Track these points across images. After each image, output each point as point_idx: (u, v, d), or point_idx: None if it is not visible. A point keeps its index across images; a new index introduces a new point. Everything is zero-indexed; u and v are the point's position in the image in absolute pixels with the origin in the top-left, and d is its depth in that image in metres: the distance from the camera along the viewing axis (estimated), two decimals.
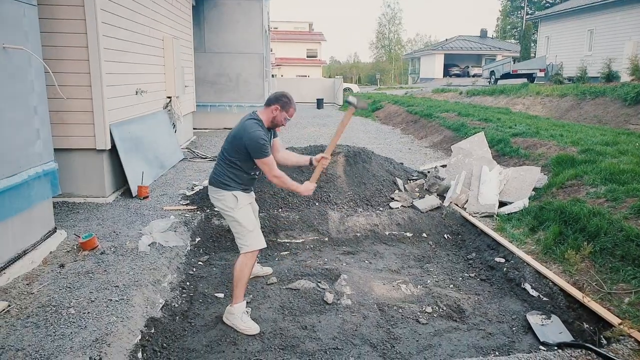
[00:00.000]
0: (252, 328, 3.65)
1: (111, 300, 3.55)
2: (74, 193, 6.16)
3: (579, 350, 3.15)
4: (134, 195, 6.42)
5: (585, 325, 3.66)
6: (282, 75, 40.39)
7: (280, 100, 3.71)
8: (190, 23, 11.77)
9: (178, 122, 9.61)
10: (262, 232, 4.49)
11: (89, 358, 2.80)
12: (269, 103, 3.73)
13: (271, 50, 25.45)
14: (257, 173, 3.87)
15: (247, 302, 4.04)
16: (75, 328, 3.15)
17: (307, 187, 3.91)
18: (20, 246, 4.08)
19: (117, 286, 3.79)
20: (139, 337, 3.26)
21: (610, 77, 18.52)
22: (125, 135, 6.67)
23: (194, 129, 12.91)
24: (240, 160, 3.68)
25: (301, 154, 4.13)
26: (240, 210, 3.75)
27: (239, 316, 3.68)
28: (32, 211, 4.29)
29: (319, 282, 4.47)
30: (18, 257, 4.00)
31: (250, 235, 3.74)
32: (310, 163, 4.04)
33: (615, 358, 2.99)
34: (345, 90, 31.77)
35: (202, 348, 3.45)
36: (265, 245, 3.87)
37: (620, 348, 3.13)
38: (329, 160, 3.99)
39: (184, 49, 10.75)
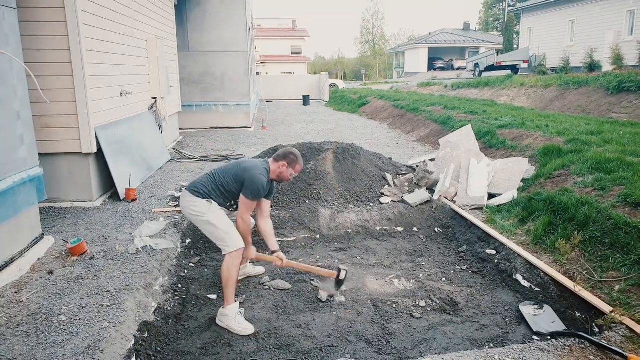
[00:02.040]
0: (247, 328, 3.63)
1: (102, 305, 3.51)
2: (60, 198, 6.07)
3: (572, 339, 3.18)
4: (122, 199, 6.35)
5: (578, 314, 3.70)
6: (267, 73, 40.18)
7: (288, 157, 3.90)
8: (174, 23, 11.66)
9: (164, 122, 9.52)
10: (254, 231, 4.48)
11: None
12: (277, 158, 3.93)
13: (255, 48, 25.32)
14: (235, 208, 3.98)
15: (240, 303, 4.02)
16: (66, 335, 3.10)
17: (252, 253, 4.08)
18: (7, 254, 4.01)
19: (108, 291, 3.74)
20: (132, 342, 3.23)
21: (593, 66, 18.72)
22: (111, 137, 6.59)
23: (180, 129, 12.80)
24: (232, 189, 3.83)
25: (273, 237, 4.20)
26: (213, 213, 3.78)
27: (233, 317, 3.66)
28: (18, 218, 4.22)
29: (312, 279, 4.46)
30: (5, 265, 3.93)
31: (228, 235, 3.74)
32: (272, 252, 4.11)
33: (608, 345, 3.02)
34: (331, 86, 31.73)
35: (196, 350, 3.42)
36: (243, 245, 3.82)
37: (612, 335, 3.16)
38: (279, 264, 4.09)
39: (168, 49, 10.64)
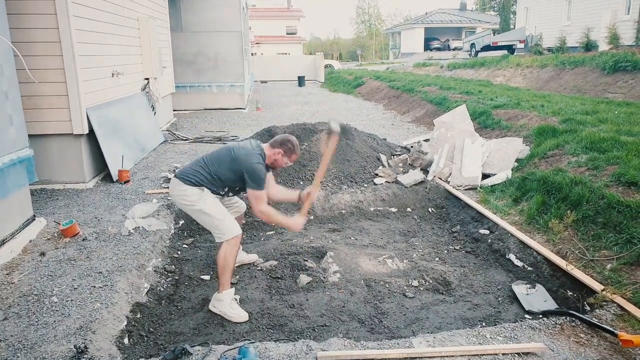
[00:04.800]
0: (241, 315, 3.55)
1: (95, 286, 3.50)
2: (52, 179, 6.03)
3: (564, 317, 3.20)
4: (114, 180, 6.32)
5: (569, 293, 3.71)
6: (262, 54, 39.79)
7: (285, 146, 3.74)
8: (166, 2, 11.47)
9: (157, 103, 9.43)
10: (247, 212, 4.45)
11: (74, 346, 2.76)
12: (273, 144, 3.76)
13: (250, 28, 25.05)
14: (230, 195, 3.89)
15: (234, 283, 4.02)
16: (58, 316, 3.10)
17: (298, 222, 3.83)
18: None
19: (101, 272, 3.73)
20: (125, 322, 3.23)
21: (589, 46, 18.60)
22: (103, 118, 6.52)
23: (173, 110, 12.70)
24: (228, 179, 3.68)
25: (289, 190, 4.12)
26: (205, 201, 3.63)
27: (228, 303, 3.57)
28: (8, 199, 4.18)
29: (306, 260, 4.45)
30: None
31: (223, 223, 3.62)
32: (299, 198, 3.98)
33: (599, 324, 3.04)
34: (326, 66, 31.47)
35: (189, 331, 3.43)
36: (240, 232, 3.71)
37: (603, 314, 3.18)
38: (317, 194, 3.92)
39: (161, 29, 10.49)
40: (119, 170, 6.35)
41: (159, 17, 10.45)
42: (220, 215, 3.65)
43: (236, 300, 3.71)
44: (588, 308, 3.42)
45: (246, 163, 3.58)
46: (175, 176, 3.76)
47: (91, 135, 6.21)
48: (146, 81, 9.08)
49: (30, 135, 4.71)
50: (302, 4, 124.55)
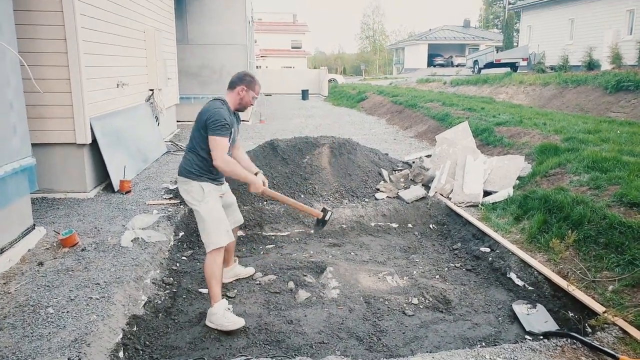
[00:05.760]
0: (237, 322, 3.51)
1: (91, 298, 3.48)
2: (54, 189, 6.03)
3: (565, 339, 3.16)
4: (116, 190, 6.31)
5: (571, 314, 3.68)
6: (267, 67, 40.08)
7: (245, 80, 3.65)
8: (173, 15, 11.58)
9: (161, 114, 9.47)
10: (247, 225, 4.43)
11: (68, 359, 2.73)
12: (232, 85, 3.67)
13: (255, 42, 25.22)
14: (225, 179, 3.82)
15: (232, 298, 3.99)
16: (53, 328, 3.07)
17: (258, 181, 3.71)
18: None
19: (98, 284, 3.71)
20: (121, 335, 3.20)
21: (592, 65, 18.69)
22: (107, 129, 6.54)
23: (177, 121, 12.74)
24: (206, 144, 3.54)
25: (252, 166, 3.98)
26: (205, 204, 3.60)
27: (222, 314, 3.53)
28: (8, 208, 4.18)
29: (305, 275, 4.43)
30: None
31: (212, 233, 3.58)
32: (255, 173, 3.88)
33: (600, 347, 3.00)
34: (330, 81, 31.65)
35: (185, 345, 3.39)
36: (227, 243, 3.66)
37: (605, 336, 3.14)
38: (259, 191, 3.76)
39: (167, 41, 10.57)
40: (121, 181, 6.35)
41: (165, 30, 10.54)
42: (213, 223, 3.59)
43: (230, 310, 3.65)
44: (589, 330, 3.38)
45: (206, 112, 3.50)
46: (178, 174, 3.75)
47: (94, 145, 6.22)
48: (151, 92, 9.12)
49: (33, 144, 4.71)
50: (308, 18, 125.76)
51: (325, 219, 4.15)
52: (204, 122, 3.49)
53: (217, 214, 3.67)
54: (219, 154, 3.47)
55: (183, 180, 3.69)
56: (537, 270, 4.21)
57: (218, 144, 3.46)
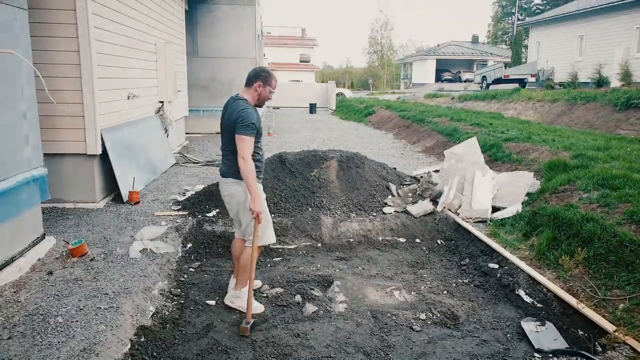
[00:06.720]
0: (257, 307, 3.84)
1: (100, 308, 3.49)
2: (64, 198, 6.08)
3: (574, 357, 3.14)
4: (124, 201, 6.35)
5: (580, 332, 3.64)
6: None
7: (261, 76, 3.76)
8: (184, 28, 11.73)
9: (170, 126, 9.55)
10: None
11: None
12: (249, 82, 3.77)
13: (264, 55, 25.44)
14: (260, 152, 3.88)
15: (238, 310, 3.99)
16: (62, 337, 3.08)
17: (261, 195, 3.75)
18: (8, 253, 4.00)
19: (107, 294, 3.72)
20: (129, 346, 3.20)
21: (601, 82, 18.67)
22: (117, 140, 6.60)
23: (186, 133, 12.84)
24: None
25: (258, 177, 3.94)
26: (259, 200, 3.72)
27: (246, 298, 3.77)
28: (20, 217, 4.22)
29: (312, 288, 4.42)
30: (5, 264, 3.92)
31: (265, 232, 3.86)
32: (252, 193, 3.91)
33: None
34: (338, 94, 31.79)
35: (193, 357, 3.39)
36: (275, 240, 4.06)
37: (615, 355, 3.11)
38: (258, 210, 3.69)
39: (177, 54, 10.70)
40: (130, 192, 6.40)
41: (176, 43, 10.66)
42: (268, 222, 3.89)
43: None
44: (599, 349, 3.35)
45: (235, 114, 3.63)
46: (223, 176, 3.87)
47: (104, 156, 6.28)
48: (160, 104, 9.21)
49: (45, 154, 4.77)
50: (316, 33, 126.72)
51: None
52: (234, 122, 3.63)
53: (268, 215, 3.93)
54: (246, 153, 3.59)
55: (233, 181, 3.79)
56: (547, 288, 4.18)
57: (244, 141, 3.60)
